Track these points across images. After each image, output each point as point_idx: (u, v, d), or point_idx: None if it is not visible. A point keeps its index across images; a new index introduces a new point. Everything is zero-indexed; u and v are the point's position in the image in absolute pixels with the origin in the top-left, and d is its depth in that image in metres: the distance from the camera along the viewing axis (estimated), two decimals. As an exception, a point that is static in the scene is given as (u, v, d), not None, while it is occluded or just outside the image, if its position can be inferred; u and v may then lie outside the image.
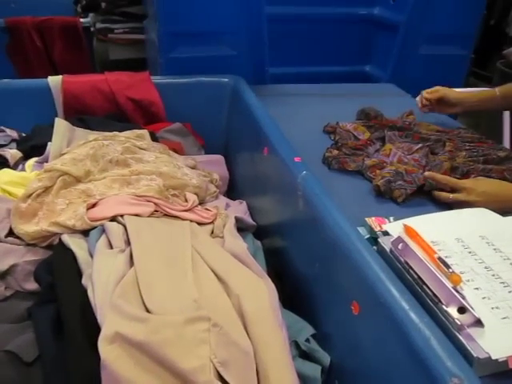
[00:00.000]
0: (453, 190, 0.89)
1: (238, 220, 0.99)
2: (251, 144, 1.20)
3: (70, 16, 2.18)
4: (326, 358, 0.71)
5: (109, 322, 0.58)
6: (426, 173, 0.94)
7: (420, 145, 1.07)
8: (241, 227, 1.01)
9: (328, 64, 1.95)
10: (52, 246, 0.86)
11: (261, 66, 1.49)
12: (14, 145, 1.18)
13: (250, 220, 1.05)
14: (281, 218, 1.01)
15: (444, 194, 0.89)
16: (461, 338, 0.54)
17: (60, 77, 1.28)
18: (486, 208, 0.83)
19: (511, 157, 1.05)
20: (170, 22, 1.36)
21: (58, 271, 0.76)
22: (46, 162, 1.04)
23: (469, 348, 0.53)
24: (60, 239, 0.84)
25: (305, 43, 1.91)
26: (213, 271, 0.75)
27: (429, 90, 1.25)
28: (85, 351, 0.61)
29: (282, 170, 0.94)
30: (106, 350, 0.55)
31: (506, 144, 1.59)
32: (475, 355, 0.52)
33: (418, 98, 1.28)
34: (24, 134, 1.23)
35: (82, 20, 2.12)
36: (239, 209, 1.11)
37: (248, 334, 0.63)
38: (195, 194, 1.03)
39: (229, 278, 0.73)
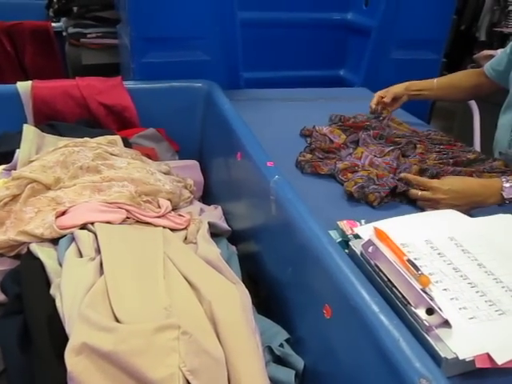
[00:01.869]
0: (422, 190, 0.91)
1: (211, 225, 0.98)
2: (225, 149, 1.19)
3: (41, 20, 2.14)
4: (300, 363, 0.71)
5: (76, 333, 0.57)
6: (402, 174, 0.96)
7: (391, 147, 1.09)
8: (215, 232, 1.00)
9: (302, 68, 1.97)
10: (20, 256, 0.84)
11: (234, 70, 1.49)
12: (-19, 152, 1.15)
13: (224, 225, 1.05)
14: (255, 223, 1.00)
15: (413, 191, 0.91)
16: (429, 338, 0.54)
17: (29, 82, 1.26)
18: (453, 204, 0.85)
19: (480, 159, 1.07)
20: (143, 27, 1.35)
21: (26, 281, 0.74)
22: (15, 169, 1.02)
23: (437, 349, 0.53)
24: (28, 248, 0.82)
25: (279, 48, 1.92)
26: (185, 278, 0.75)
27: (382, 94, 1.33)
28: (52, 363, 0.59)
29: (255, 175, 0.93)
30: (73, 361, 0.54)
31: (477, 147, 1.63)
32: (443, 356, 0.52)
33: (373, 102, 1.34)
34: (-8, 141, 1.20)
35: (53, 24, 2.09)
36: (214, 214, 1.11)
37: (220, 340, 0.63)
38: (168, 199, 1.02)
39: (201, 284, 0.72)
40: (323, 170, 1.04)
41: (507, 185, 0.85)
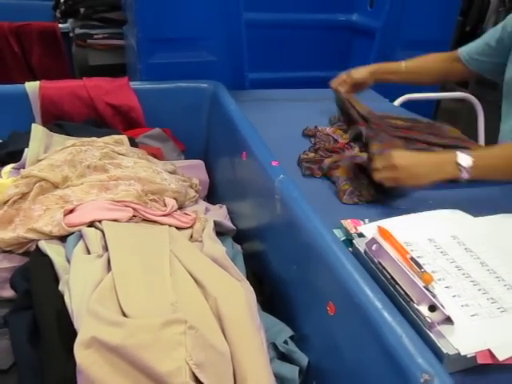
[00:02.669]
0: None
1: (217, 224, 0.99)
2: (230, 149, 1.20)
3: (48, 21, 2.16)
4: (304, 359, 0.72)
5: (85, 327, 0.58)
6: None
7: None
8: (220, 231, 1.01)
9: (307, 69, 1.98)
10: (29, 253, 0.85)
11: (240, 71, 1.50)
12: (-10, 151, 1.17)
13: (229, 224, 1.06)
14: (259, 222, 1.01)
15: (373, 162, 0.89)
16: (431, 335, 0.55)
17: (37, 82, 1.28)
18: (411, 173, 0.83)
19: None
20: (149, 28, 1.37)
21: (35, 278, 0.76)
22: (23, 168, 1.03)
23: (439, 345, 0.54)
24: (37, 245, 0.84)
25: (284, 49, 1.94)
26: (191, 275, 0.76)
27: (337, 83, 1.28)
28: (61, 357, 0.61)
29: (260, 174, 0.95)
30: (82, 354, 0.55)
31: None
32: (445, 352, 0.53)
33: (335, 84, 1.29)
34: (1, 141, 1.21)
35: (60, 25, 2.11)
36: (219, 213, 1.12)
37: (225, 336, 0.64)
38: (174, 198, 1.03)
39: (207, 281, 0.73)
40: (318, 174, 1.04)
41: (460, 152, 0.82)
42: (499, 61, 1.12)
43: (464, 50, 1.19)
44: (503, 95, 1.13)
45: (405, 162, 0.84)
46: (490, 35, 1.13)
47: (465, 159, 0.82)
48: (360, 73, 1.26)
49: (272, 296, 0.89)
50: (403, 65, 1.24)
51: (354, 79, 1.25)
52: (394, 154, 0.86)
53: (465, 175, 0.82)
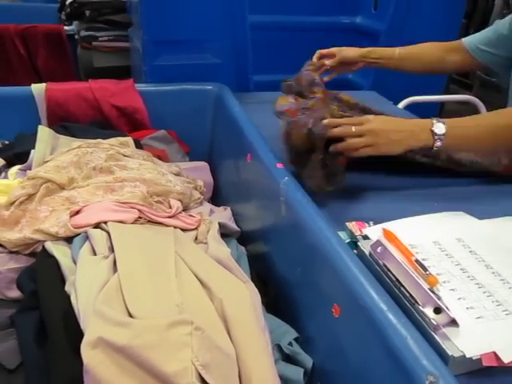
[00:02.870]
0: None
1: (221, 226, 1.00)
2: (235, 151, 1.21)
3: (54, 24, 2.18)
4: (309, 361, 0.72)
5: (92, 327, 0.59)
6: (325, 121, 0.85)
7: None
8: (225, 233, 1.02)
9: (311, 72, 1.98)
10: (35, 254, 0.86)
11: (244, 73, 1.51)
12: (-4, 153, 1.18)
13: (234, 226, 1.06)
14: (264, 224, 1.02)
15: (347, 127, 0.83)
16: (436, 337, 0.55)
17: (43, 84, 1.29)
18: (390, 139, 0.81)
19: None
20: (155, 30, 1.37)
21: (42, 278, 0.76)
22: (30, 169, 1.04)
23: (444, 347, 0.54)
24: (43, 246, 0.84)
25: (288, 51, 1.94)
26: (196, 276, 0.76)
27: (324, 52, 1.21)
28: (68, 357, 0.61)
29: (265, 177, 0.95)
30: (89, 354, 0.55)
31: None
32: (450, 354, 0.53)
33: (313, 61, 1.20)
34: (7, 142, 1.22)
35: (66, 28, 2.12)
36: (223, 215, 1.12)
37: (230, 337, 0.64)
38: (179, 200, 1.03)
39: (212, 283, 0.74)
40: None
41: (435, 121, 0.82)
42: (508, 55, 1.10)
43: (471, 41, 1.16)
44: (509, 95, 1.12)
45: (384, 126, 0.82)
46: (499, 28, 1.10)
47: (439, 127, 0.81)
48: (352, 52, 1.22)
49: (276, 298, 0.89)
50: (397, 51, 1.22)
51: (344, 56, 1.21)
52: (372, 119, 0.83)
53: (438, 143, 0.81)
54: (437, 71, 1.32)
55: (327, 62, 1.20)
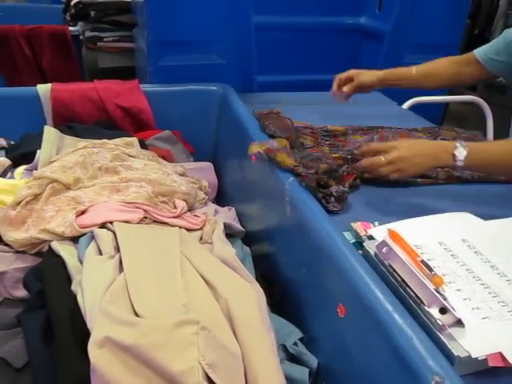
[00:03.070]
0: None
1: (226, 226, 1.00)
2: (239, 151, 1.21)
3: (58, 24, 2.19)
4: (314, 361, 0.73)
5: (99, 327, 0.59)
6: (360, 149, 0.95)
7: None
8: (230, 233, 1.02)
9: (315, 72, 1.98)
10: (41, 253, 0.86)
11: (249, 74, 1.51)
12: (2, 153, 1.18)
13: (238, 226, 1.06)
14: (269, 224, 1.02)
15: (377, 158, 0.88)
16: (442, 337, 0.55)
17: (49, 85, 1.29)
18: (414, 162, 0.86)
19: None
20: (160, 31, 1.38)
21: (48, 278, 0.77)
22: (36, 169, 1.05)
23: (450, 347, 0.54)
24: (49, 246, 0.85)
25: (292, 52, 1.94)
26: (202, 276, 0.76)
27: (344, 77, 1.25)
28: (75, 356, 0.61)
29: (270, 177, 0.95)
30: (96, 354, 0.55)
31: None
32: (456, 354, 0.53)
33: (333, 90, 1.26)
34: (13, 142, 1.23)
35: (70, 28, 2.13)
36: (228, 215, 1.12)
37: (236, 337, 0.65)
38: (184, 200, 1.04)
39: (217, 282, 0.74)
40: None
41: (458, 144, 0.85)
42: None
43: (481, 51, 1.18)
44: None
45: (408, 152, 0.87)
46: (508, 35, 1.12)
47: (460, 151, 0.84)
48: (369, 77, 1.24)
49: (281, 298, 0.89)
50: (413, 70, 1.23)
51: (362, 82, 1.23)
52: (397, 146, 0.88)
53: (459, 166, 0.85)
54: (454, 85, 1.35)
55: (345, 89, 1.23)
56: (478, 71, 1.19)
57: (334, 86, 1.26)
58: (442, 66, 1.24)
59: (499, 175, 1.01)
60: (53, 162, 1.04)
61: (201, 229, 0.97)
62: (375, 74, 1.24)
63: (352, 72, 1.25)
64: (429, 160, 0.87)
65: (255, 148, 0.95)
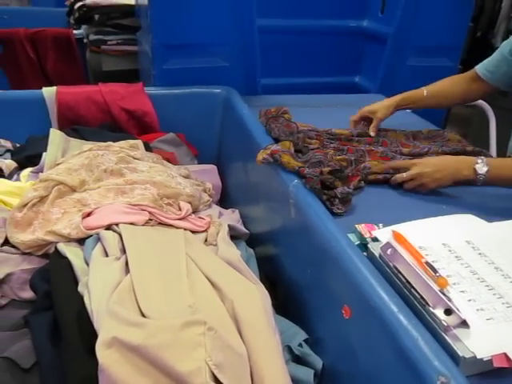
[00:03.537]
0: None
1: (231, 228, 1.01)
2: (243, 153, 1.22)
3: (62, 28, 2.20)
4: (319, 362, 0.73)
5: (106, 328, 0.60)
6: (388, 164, 1.02)
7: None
8: (234, 235, 1.02)
9: (318, 75, 1.99)
10: (47, 255, 0.87)
11: (252, 76, 1.52)
12: (8, 155, 1.19)
13: (242, 228, 1.07)
14: (273, 226, 1.02)
15: (399, 175, 0.97)
16: (447, 338, 0.56)
17: (54, 88, 1.30)
18: (435, 178, 0.93)
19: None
20: (164, 34, 1.39)
21: (55, 279, 0.77)
22: (41, 172, 1.06)
23: (455, 348, 0.54)
24: (56, 248, 0.85)
25: (296, 54, 1.95)
26: (207, 278, 0.77)
27: (357, 119, 1.27)
28: (82, 356, 0.62)
29: (274, 179, 0.96)
30: (104, 354, 0.56)
31: (493, 153, 1.63)
32: (461, 355, 0.54)
33: (353, 120, 1.28)
34: (18, 145, 1.24)
35: (75, 31, 2.14)
36: (232, 217, 1.13)
37: (242, 338, 0.65)
38: (189, 202, 1.04)
39: (223, 284, 0.74)
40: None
41: (479, 160, 0.90)
42: None
43: (481, 67, 1.20)
44: None
45: (429, 168, 0.94)
46: (504, 47, 1.14)
47: (481, 167, 0.90)
48: (385, 110, 1.24)
49: (286, 299, 0.90)
50: (425, 92, 1.25)
51: (380, 119, 1.24)
52: (419, 163, 0.96)
53: (479, 181, 0.91)
54: (467, 101, 1.37)
55: (372, 133, 1.23)
56: (484, 87, 1.21)
57: (352, 126, 1.27)
58: (451, 84, 1.26)
59: None
60: (58, 164, 1.05)
61: (205, 231, 0.97)
62: (389, 104, 1.25)
63: (365, 111, 1.26)
64: (451, 174, 0.93)
65: (261, 155, 0.96)
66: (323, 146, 1.11)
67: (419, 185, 0.95)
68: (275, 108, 1.18)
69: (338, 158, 1.02)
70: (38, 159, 1.10)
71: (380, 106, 1.25)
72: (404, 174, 0.96)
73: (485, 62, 1.20)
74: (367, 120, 1.26)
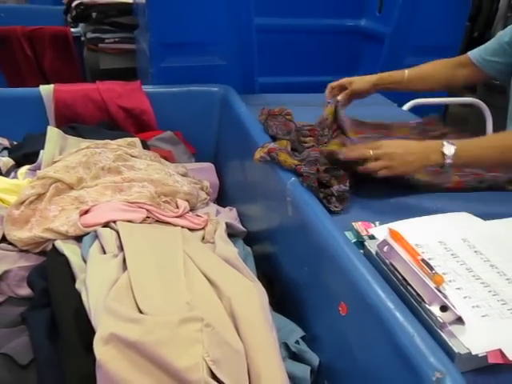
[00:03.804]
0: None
1: (228, 226, 1.01)
2: (241, 152, 1.22)
3: (60, 26, 2.20)
4: (315, 359, 0.74)
5: (104, 324, 0.60)
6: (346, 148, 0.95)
7: None
8: (231, 233, 1.03)
9: (316, 74, 1.99)
10: (45, 252, 0.87)
11: (250, 75, 1.52)
12: (5, 153, 1.19)
13: (240, 226, 1.07)
14: (270, 224, 1.03)
15: (365, 150, 0.89)
16: (443, 334, 0.56)
17: (52, 86, 1.30)
18: (405, 161, 0.87)
19: None
20: (162, 33, 1.39)
21: (52, 276, 0.78)
22: (39, 169, 1.06)
23: (450, 344, 0.55)
24: (53, 245, 0.86)
25: (293, 53, 1.95)
26: (204, 275, 0.77)
27: (335, 85, 1.23)
28: (80, 352, 0.62)
29: (272, 177, 0.96)
30: (102, 350, 0.56)
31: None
32: (457, 351, 0.54)
33: (333, 91, 1.24)
34: (15, 143, 1.24)
35: (72, 30, 2.14)
36: (229, 215, 1.13)
37: (239, 335, 0.65)
38: (186, 200, 1.05)
39: (220, 281, 0.75)
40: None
41: (445, 143, 0.86)
42: (511, 62, 1.12)
43: (476, 53, 1.18)
44: (510, 97, 1.14)
45: (398, 149, 0.88)
46: (502, 37, 1.13)
47: (449, 148, 0.86)
48: (362, 83, 1.22)
49: (283, 297, 0.90)
50: (406, 73, 1.23)
51: (354, 89, 1.22)
52: (386, 143, 0.89)
53: (448, 163, 0.86)
54: (448, 88, 1.35)
55: (340, 98, 1.20)
56: (473, 73, 1.19)
57: (327, 94, 1.25)
58: (435, 68, 1.24)
59: (494, 168, 1.02)
60: (56, 162, 1.05)
61: (203, 228, 0.97)
62: (368, 79, 1.23)
63: (344, 80, 1.24)
64: (419, 159, 0.88)
65: (258, 153, 0.96)
66: (318, 142, 1.10)
67: (385, 166, 0.87)
68: (278, 109, 1.17)
69: (331, 147, 1.00)
70: (35, 157, 1.10)
71: (359, 78, 1.23)
72: (370, 151, 0.88)
73: (481, 48, 1.18)
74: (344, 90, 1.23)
